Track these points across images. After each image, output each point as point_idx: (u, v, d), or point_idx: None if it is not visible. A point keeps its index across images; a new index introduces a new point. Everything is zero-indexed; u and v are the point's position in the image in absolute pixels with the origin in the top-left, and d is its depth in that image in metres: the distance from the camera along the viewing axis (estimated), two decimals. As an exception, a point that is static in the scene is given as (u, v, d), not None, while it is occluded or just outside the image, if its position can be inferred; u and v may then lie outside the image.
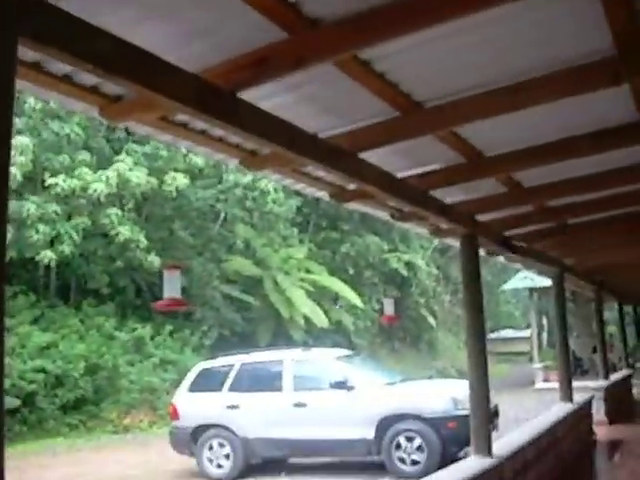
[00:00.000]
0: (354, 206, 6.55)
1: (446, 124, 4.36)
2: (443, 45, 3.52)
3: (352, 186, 5.67)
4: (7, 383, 16.45)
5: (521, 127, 4.75)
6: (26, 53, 3.15)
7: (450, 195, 6.00)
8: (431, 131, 4.43)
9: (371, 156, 4.69)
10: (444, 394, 10.92)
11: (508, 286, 30.71)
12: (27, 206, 18.76)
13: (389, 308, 7.69)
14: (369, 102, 4.04)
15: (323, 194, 5.90)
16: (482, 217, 6.86)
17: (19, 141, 18.81)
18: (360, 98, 3.99)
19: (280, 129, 3.79)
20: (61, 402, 18.34)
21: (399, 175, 5.26)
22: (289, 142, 3.84)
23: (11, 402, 16.68)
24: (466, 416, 10.02)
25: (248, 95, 3.55)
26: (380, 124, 4.30)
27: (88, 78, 3.51)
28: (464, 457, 10.95)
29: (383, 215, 6.89)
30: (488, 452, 6.25)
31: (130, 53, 2.89)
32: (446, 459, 10.36)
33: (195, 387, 12.34)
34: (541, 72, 3.80)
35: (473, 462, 6.12)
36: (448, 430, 10.36)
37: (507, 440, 7.60)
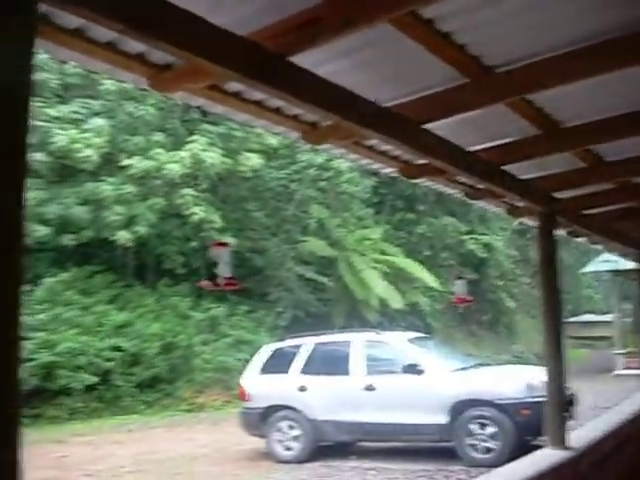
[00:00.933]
0: (424, 183, 6.27)
1: (519, 91, 4.00)
2: (517, 0, 3.20)
3: (420, 161, 5.39)
4: (84, 360, 16.95)
5: (603, 94, 4.35)
6: (68, 20, 3.00)
7: (525, 171, 5.65)
8: (503, 99, 4.07)
9: (437, 127, 4.39)
10: (519, 380, 10.53)
11: (589, 269, 29.80)
12: (103, 187, 18.95)
13: (460, 289, 7.33)
14: (434, 67, 3.74)
15: (390, 170, 5.63)
16: (560, 194, 6.46)
17: (95, 123, 19.07)
18: (424, 63, 3.69)
19: (337, 96, 3.53)
20: (137, 380, 18.61)
21: (469, 149, 4.94)
22: (347, 111, 3.57)
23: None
24: (542, 403, 9.70)
25: (302, 60, 3.31)
26: (447, 92, 3.99)
27: (134, 46, 3.33)
28: (543, 445, 10.60)
29: (455, 192, 6.59)
30: (563, 444, 5.90)
31: (173, 15, 2.67)
32: (520, 447, 10.03)
33: (265, 368, 12.25)
34: (627, 30, 3.42)
35: (547, 454, 5.79)
36: (522, 417, 9.98)
37: (585, 430, 7.23)
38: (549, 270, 6.18)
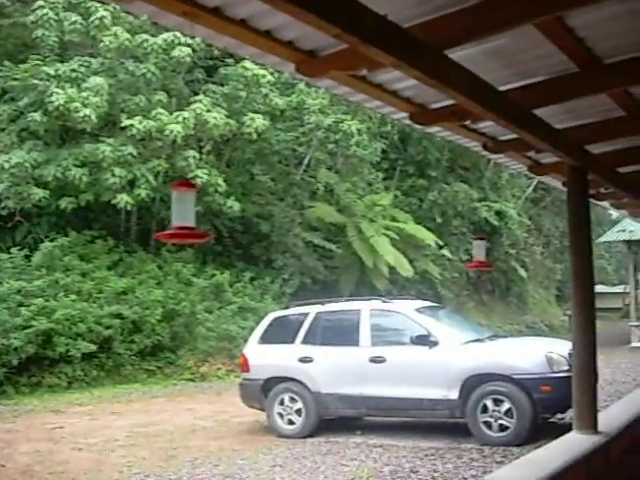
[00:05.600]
0: (438, 133, 5.56)
1: (557, 6, 3.26)
2: None
3: (436, 105, 4.68)
4: (83, 328, 16.41)
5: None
6: None
7: (557, 118, 4.94)
8: (539, 16, 3.31)
9: (463, 59, 3.68)
10: (538, 353, 9.83)
11: (604, 239, 29.13)
12: (102, 148, 18.23)
13: (479, 252, 6.51)
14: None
15: (402, 115, 4.92)
16: (593, 148, 5.73)
17: (94, 81, 18.30)
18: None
19: (340, 5, 2.81)
20: (138, 348, 18.15)
21: (499, 88, 4.23)
22: (350, 24, 2.85)
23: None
24: (562, 378, 9.07)
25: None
26: (472, 10, 3.27)
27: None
28: (559, 424, 10.00)
29: (473, 145, 5.88)
30: (593, 428, 5.24)
31: None
32: (537, 426, 9.46)
33: (266, 338, 11.62)
34: None
35: (577, 439, 5.12)
36: (541, 394, 9.31)
37: (611, 412, 6.57)
38: (580, 232, 5.49)
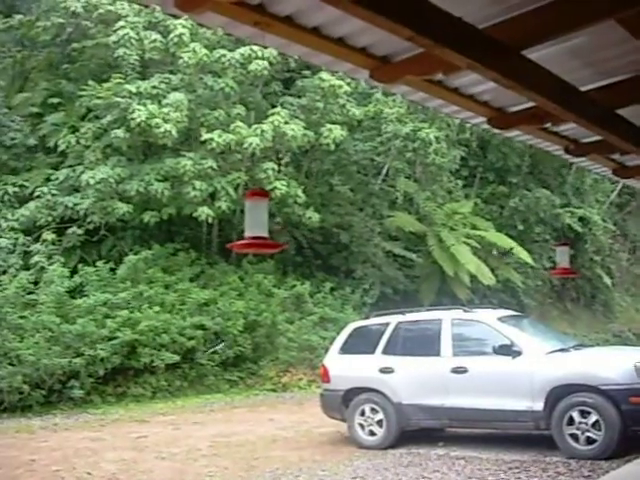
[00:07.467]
0: (518, 137, 5.44)
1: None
2: None
3: (515, 108, 4.58)
4: (166, 339, 16.70)
5: None
6: None
7: (641, 117, 4.77)
8: (619, 11, 3.19)
9: (542, 59, 3.58)
10: (626, 363, 9.45)
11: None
12: (183, 162, 18.55)
13: (563, 258, 6.25)
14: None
15: (480, 120, 4.83)
16: (682, 149, 5.52)
17: (174, 97, 18.67)
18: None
19: (414, 8, 2.75)
20: (220, 359, 18.33)
21: (581, 88, 4.10)
22: (423, 26, 2.80)
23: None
24: (653, 389, 8.77)
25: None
26: (546, 8, 3.17)
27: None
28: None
29: (554, 149, 5.73)
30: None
31: None
32: (627, 439, 9.09)
33: (347, 348, 11.56)
34: None
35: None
36: (630, 405, 8.95)
37: None
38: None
